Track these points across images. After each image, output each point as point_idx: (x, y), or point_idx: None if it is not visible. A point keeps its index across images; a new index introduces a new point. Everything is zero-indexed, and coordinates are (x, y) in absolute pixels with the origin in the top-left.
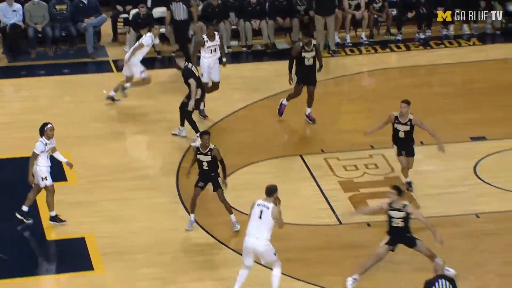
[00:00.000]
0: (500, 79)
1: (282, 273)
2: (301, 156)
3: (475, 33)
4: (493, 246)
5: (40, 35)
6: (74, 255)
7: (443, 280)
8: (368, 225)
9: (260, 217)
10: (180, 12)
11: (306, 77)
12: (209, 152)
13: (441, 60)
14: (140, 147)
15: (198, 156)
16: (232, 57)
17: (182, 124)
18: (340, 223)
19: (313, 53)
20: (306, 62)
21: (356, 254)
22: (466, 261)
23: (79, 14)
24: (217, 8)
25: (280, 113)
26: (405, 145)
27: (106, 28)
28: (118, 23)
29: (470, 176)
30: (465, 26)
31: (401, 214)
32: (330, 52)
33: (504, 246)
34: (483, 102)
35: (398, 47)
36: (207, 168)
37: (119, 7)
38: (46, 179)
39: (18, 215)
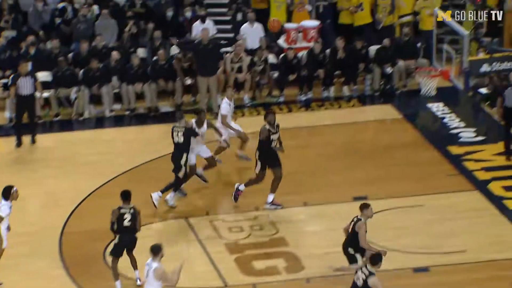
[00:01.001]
0: (379, 139)
1: None
2: (185, 218)
3: (354, 94)
4: None
5: None
6: None
7: None
8: (254, 286)
9: (147, 276)
10: (26, 86)
11: (273, 160)
12: (131, 210)
13: (322, 122)
14: (21, 212)
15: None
16: (115, 120)
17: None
18: (226, 285)
19: (278, 134)
20: (273, 144)
21: None
22: None
23: None
24: (98, 72)
25: (236, 199)
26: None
27: None
28: None
29: None
30: (345, 88)
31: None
32: (213, 114)
33: None
34: (364, 162)
35: (281, 109)
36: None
37: None
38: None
39: None
